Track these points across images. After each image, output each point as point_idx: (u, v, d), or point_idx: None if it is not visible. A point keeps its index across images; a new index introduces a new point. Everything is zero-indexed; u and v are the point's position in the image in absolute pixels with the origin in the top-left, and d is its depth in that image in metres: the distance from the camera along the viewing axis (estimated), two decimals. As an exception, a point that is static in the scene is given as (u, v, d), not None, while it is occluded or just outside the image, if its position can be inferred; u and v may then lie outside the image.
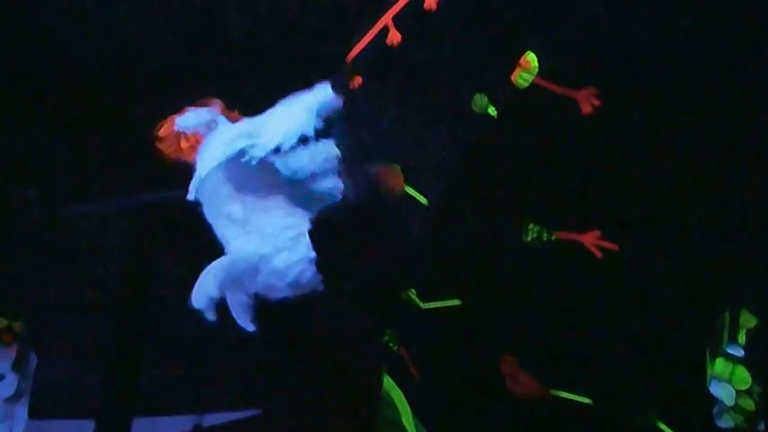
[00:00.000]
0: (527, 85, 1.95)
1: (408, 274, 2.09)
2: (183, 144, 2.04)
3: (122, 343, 2.68)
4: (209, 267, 2.00)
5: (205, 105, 2.07)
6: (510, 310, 2.12)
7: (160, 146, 2.05)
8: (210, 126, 2.05)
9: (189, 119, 2.05)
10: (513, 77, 1.95)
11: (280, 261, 1.99)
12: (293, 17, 2.52)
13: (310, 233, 2.00)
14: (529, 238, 2.05)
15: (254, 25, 2.54)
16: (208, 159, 1.98)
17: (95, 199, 2.64)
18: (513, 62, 1.98)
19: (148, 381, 2.70)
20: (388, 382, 2.16)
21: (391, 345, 2.17)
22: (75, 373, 2.77)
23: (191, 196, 1.99)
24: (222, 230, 2.02)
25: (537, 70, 1.94)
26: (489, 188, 2.11)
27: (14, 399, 2.78)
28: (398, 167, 2.12)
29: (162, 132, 2.05)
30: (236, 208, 2.01)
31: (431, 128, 2.20)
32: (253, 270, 1.99)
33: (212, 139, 2.02)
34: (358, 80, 2.18)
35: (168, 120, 2.06)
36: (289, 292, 2.00)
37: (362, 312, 2.20)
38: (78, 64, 2.59)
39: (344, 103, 2.28)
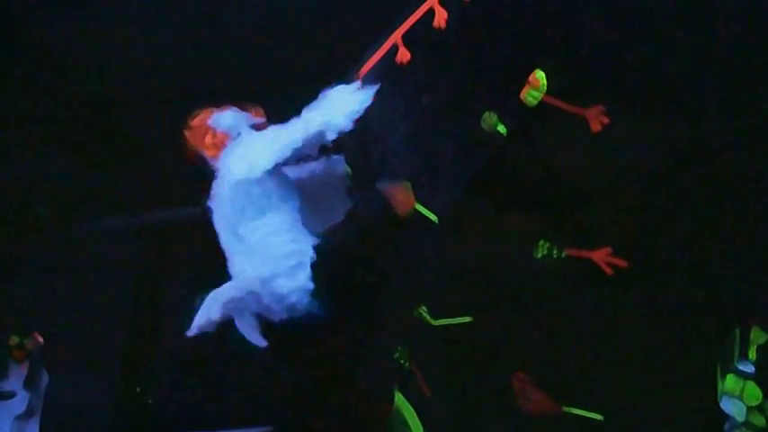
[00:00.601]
0: (536, 102, 1.96)
1: (419, 292, 2.09)
2: (209, 140, 2.04)
3: (134, 360, 2.69)
4: (214, 293, 2.00)
5: (246, 110, 2.08)
6: (521, 326, 2.13)
7: (187, 133, 2.05)
8: (239, 132, 2.06)
9: (225, 118, 2.06)
10: (522, 95, 1.96)
11: (278, 286, 1.99)
12: (306, 34, 2.53)
13: (319, 256, 2.01)
14: (539, 255, 2.05)
15: (268, 42, 2.55)
16: (267, 154, 1.98)
17: (107, 216, 2.64)
18: (523, 80, 1.99)
19: (160, 399, 2.70)
20: (400, 399, 2.16)
21: (403, 361, 2.16)
22: (87, 391, 2.77)
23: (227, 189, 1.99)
24: (227, 242, 2.02)
25: (546, 88, 1.94)
26: (500, 206, 2.12)
27: (26, 416, 2.78)
28: (409, 185, 2.12)
29: (194, 122, 2.05)
30: (243, 225, 2.01)
31: (441, 145, 2.21)
32: (255, 294, 2.00)
33: (248, 142, 2.03)
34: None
35: (205, 112, 2.06)
36: (286, 315, 2.01)
37: (374, 329, 2.20)
38: (89, 81, 2.61)
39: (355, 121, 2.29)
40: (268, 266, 1.99)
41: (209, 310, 1.99)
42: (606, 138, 2.00)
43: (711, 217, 2.10)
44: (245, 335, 2.03)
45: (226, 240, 2.02)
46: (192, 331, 1.97)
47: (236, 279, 2.00)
